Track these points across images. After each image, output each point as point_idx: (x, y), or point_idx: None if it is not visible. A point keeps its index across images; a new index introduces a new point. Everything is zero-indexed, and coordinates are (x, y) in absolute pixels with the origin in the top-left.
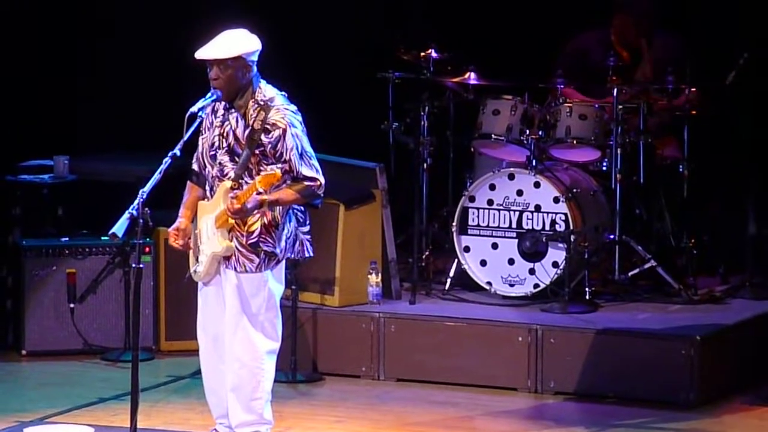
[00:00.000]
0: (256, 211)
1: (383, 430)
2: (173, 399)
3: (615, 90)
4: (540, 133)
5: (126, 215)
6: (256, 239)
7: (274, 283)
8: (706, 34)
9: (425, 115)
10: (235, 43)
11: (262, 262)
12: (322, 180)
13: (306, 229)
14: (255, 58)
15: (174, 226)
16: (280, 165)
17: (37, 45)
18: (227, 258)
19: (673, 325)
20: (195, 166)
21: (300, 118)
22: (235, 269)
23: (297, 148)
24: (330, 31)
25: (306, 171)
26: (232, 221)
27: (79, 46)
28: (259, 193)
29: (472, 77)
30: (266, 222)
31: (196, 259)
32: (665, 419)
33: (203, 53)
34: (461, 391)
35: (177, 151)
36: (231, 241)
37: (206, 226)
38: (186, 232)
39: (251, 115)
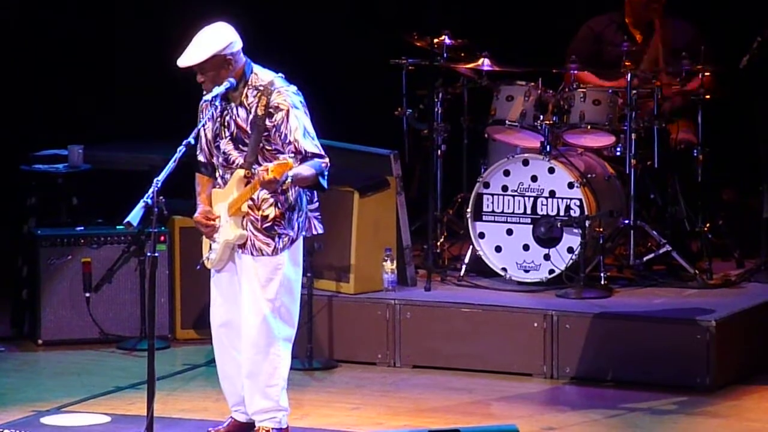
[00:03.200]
0: (273, 191)
1: (400, 417)
2: (190, 387)
3: (629, 75)
4: (554, 118)
5: (141, 204)
6: (270, 223)
7: (290, 267)
8: (719, 18)
9: (439, 101)
10: (206, 44)
11: (277, 245)
12: (327, 159)
13: (314, 206)
14: (235, 49)
15: (199, 210)
16: (287, 147)
17: (52, 35)
18: (243, 244)
19: (688, 309)
20: (201, 157)
21: (302, 98)
22: (251, 254)
23: (300, 128)
24: (343, 18)
25: (311, 149)
26: (245, 209)
27: (94, 35)
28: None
29: (485, 63)
30: (280, 205)
31: (209, 247)
32: (681, 404)
33: (181, 62)
34: (477, 378)
35: (191, 139)
36: (244, 228)
37: (220, 214)
38: (212, 213)
39: (251, 101)
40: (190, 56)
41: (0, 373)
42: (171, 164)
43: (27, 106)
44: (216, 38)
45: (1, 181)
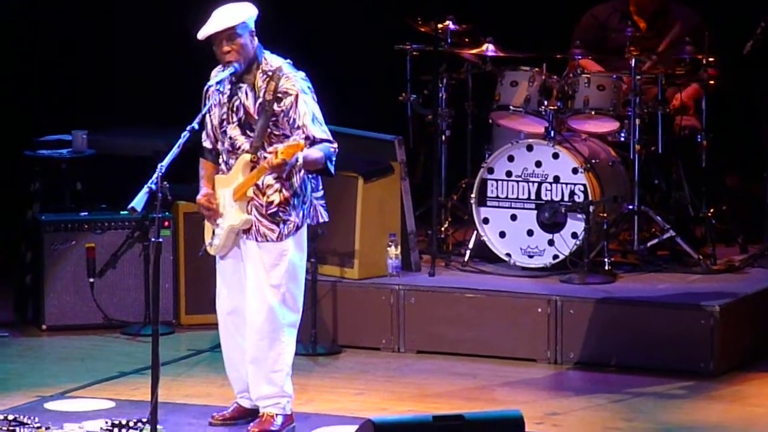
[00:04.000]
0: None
1: (404, 402)
2: (194, 373)
3: (633, 61)
4: (558, 104)
5: (145, 189)
6: (275, 209)
7: (295, 253)
8: (723, 4)
9: (443, 87)
10: (236, 11)
11: (282, 231)
12: (336, 144)
13: (319, 194)
14: (253, 26)
15: (202, 193)
16: (295, 132)
17: (56, 21)
18: (247, 230)
19: (692, 294)
20: (207, 143)
21: (309, 84)
22: (256, 240)
23: (309, 113)
24: (347, 3)
25: (320, 134)
26: (250, 194)
27: (97, 21)
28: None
29: (490, 49)
30: (285, 191)
31: (213, 233)
32: (685, 389)
33: (209, 29)
34: (481, 363)
35: (195, 124)
36: (249, 213)
37: (223, 199)
38: (214, 197)
39: (260, 86)
40: (220, 22)
41: (4, 358)
42: (175, 150)
43: (31, 92)
44: (243, 7)
45: (4, 167)
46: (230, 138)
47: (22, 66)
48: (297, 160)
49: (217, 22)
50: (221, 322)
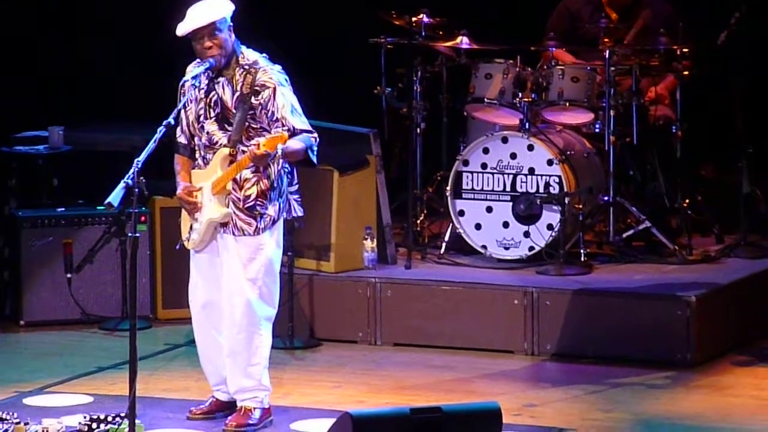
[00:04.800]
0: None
1: (381, 395)
2: (171, 367)
3: (607, 51)
4: (533, 96)
5: (121, 184)
6: (253, 203)
7: (272, 247)
8: None
9: (418, 80)
10: (215, 6)
11: (258, 224)
12: (316, 134)
13: (294, 188)
14: (230, 21)
15: (181, 187)
16: (274, 125)
17: (32, 15)
18: (224, 224)
19: (668, 285)
20: (182, 139)
21: (286, 77)
22: (233, 234)
23: (288, 105)
24: None
25: (300, 125)
26: (229, 187)
27: (73, 16)
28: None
29: (464, 41)
30: (262, 185)
31: (190, 227)
32: (662, 379)
33: (189, 25)
34: (459, 355)
35: (171, 120)
36: (227, 207)
37: (201, 194)
38: (195, 189)
39: (238, 80)
40: (200, 17)
41: None
42: (151, 145)
43: (7, 88)
44: (223, 2)
45: None
46: (208, 133)
47: None
48: (277, 152)
49: (197, 18)
50: (195, 315)
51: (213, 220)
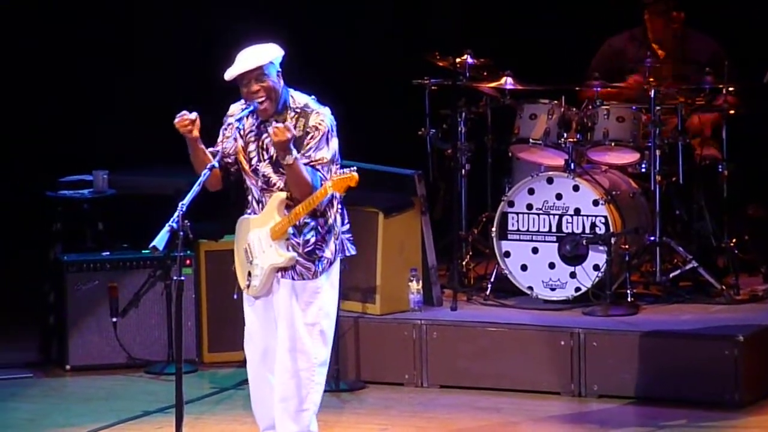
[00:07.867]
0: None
1: None
2: (218, 411)
3: (652, 91)
4: (578, 136)
5: (166, 228)
6: (312, 247)
7: (329, 290)
8: (742, 33)
9: (462, 121)
10: (263, 51)
11: (316, 268)
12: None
13: (346, 227)
14: (279, 66)
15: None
16: (305, 159)
17: (76, 61)
18: (283, 268)
19: (715, 325)
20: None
21: (335, 123)
22: (292, 278)
23: (330, 153)
24: (364, 39)
25: (325, 172)
26: (290, 231)
27: (116, 62)
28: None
29: (508, 82)
30: (319, 228)
31: (248, 275)
32: (711, 420)
33: (236, 69)
34: (505, 397)
35: (215, 163)
36: (289, 251)
37: (258, 240)
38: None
39: (291, 124)
40: (248, 62)
41: (28, 399)
42: (196, 188)
43: (52, 132)
44: (270, 48)
45: (27, 208)
46: (264, 176)
47: (42, 107)
48: (335, 195)
49: (245, 62)
50: (251, 359)
51: (276, 265)
